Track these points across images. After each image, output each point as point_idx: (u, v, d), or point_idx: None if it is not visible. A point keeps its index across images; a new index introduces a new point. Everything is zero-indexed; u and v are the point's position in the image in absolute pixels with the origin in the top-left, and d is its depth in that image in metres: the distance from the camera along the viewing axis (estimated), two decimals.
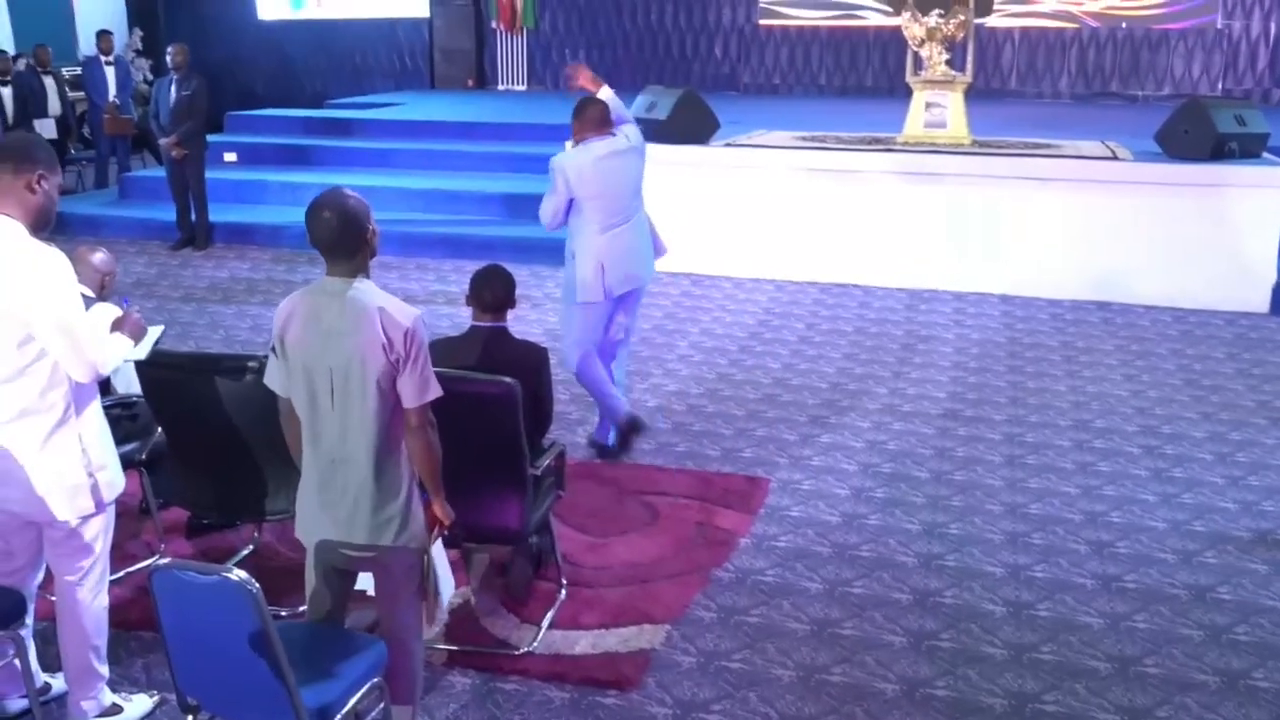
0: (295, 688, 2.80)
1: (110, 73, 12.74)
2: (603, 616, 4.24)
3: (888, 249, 9.02)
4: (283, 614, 3.98)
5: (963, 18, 9.18)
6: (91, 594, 3.48)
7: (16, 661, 3.50)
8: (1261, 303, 8.35)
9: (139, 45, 16.97)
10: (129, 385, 4.82)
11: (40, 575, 3.60)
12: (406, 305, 3.18)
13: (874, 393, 6.68)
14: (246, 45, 17.47)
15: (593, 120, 5.32)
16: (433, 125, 12.90)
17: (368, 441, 3.13)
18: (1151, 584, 4.50)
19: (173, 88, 10.08)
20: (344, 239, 3.11)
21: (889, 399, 6.57)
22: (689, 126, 9.45)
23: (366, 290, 3.13)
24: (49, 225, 3.31)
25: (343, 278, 3.13)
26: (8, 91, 11.87)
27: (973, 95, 9.69)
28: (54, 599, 3.53)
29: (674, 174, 9.43)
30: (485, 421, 3.82)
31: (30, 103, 12.12)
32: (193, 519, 4.84)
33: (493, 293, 4.25)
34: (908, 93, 9.61)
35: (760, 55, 15.93)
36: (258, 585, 2.73)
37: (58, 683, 3.68)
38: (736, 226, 9.35)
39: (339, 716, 2.95)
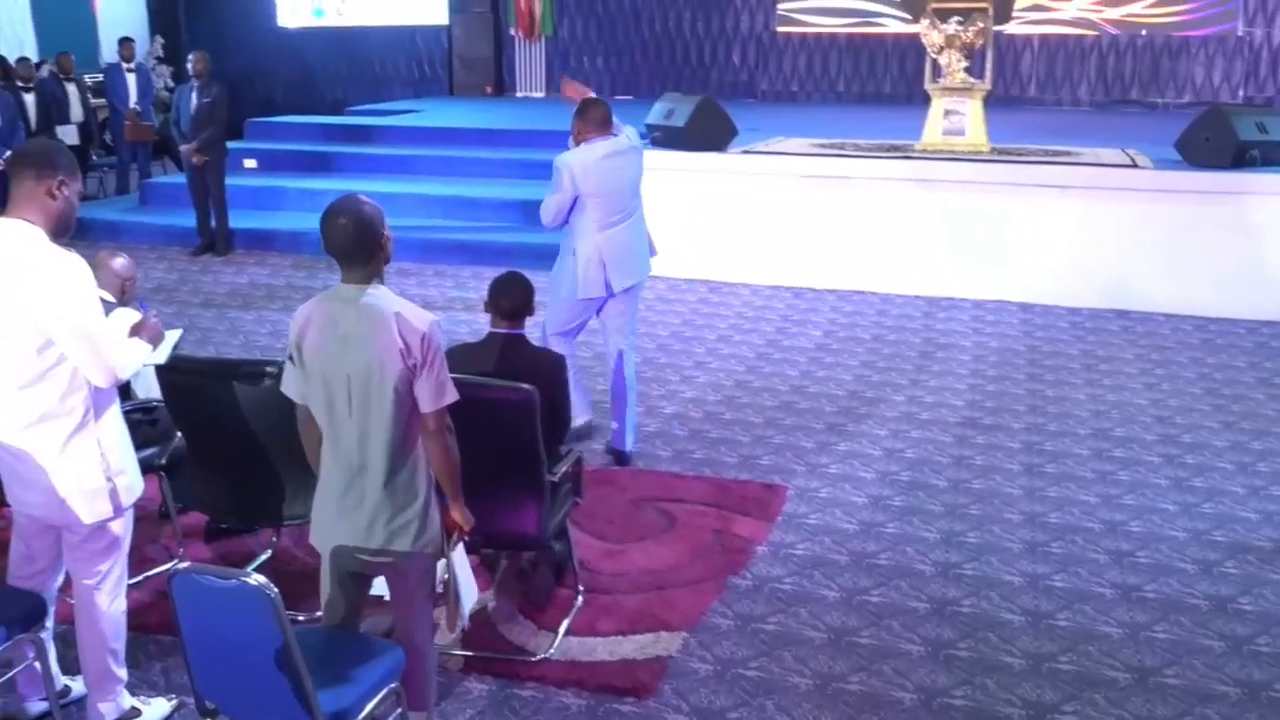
0: (312, 692, 2.81)
1: (131, 80, 12.84)
2: (620, 623, 4.23)
3: (906, 256, 9.00)
4: (300, 619, 3.99)
5: (982, 25, 9.16)
6: (110, 597, 3.50)
7: (37, 664, 3.52)
8: None
9: (160, 52, 17.08)
10: (149, 390, 4.85)
11: (60, 578, 3.62)
12: (422, 310, 3.19)
13: (892, 400, 6.66)
14: (267, 53, 17.56)
15: (595, 121, 5.47)
16: (451, 132, 12.93)
17: (386, 447, 3.14)
18: (1171, 594, 4.47)
19: (194, 95, 10.14)
20: (360, 245, 3.12)
21: (907, 407, 6.55)
22: (707, 133, 9.45)
23: (382, 296, 3.14)
24: (69, 231, 3.34)
25: (358, 284, 3.14)
26: (31, 98, 11.95)
27: (992, 102, 9.67)
28: (73, 602, 3.55)
29: (692, 180, 9.45)
30: (503, 428, 3.83)
31: (53, 109, 12.22)
32: (211, 524, 4.86)
33: (511, 300, 4.26)
34: (926, 100, 9.59)
35: (778, 62, 15.92)
36: (276, 590, 2.74)
37: (77, 685, 3.70)
38: (754, 233, 9.34)
39: None
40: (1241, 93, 14.29)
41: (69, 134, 12.15)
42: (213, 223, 10.52)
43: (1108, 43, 14.63)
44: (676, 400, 6.70)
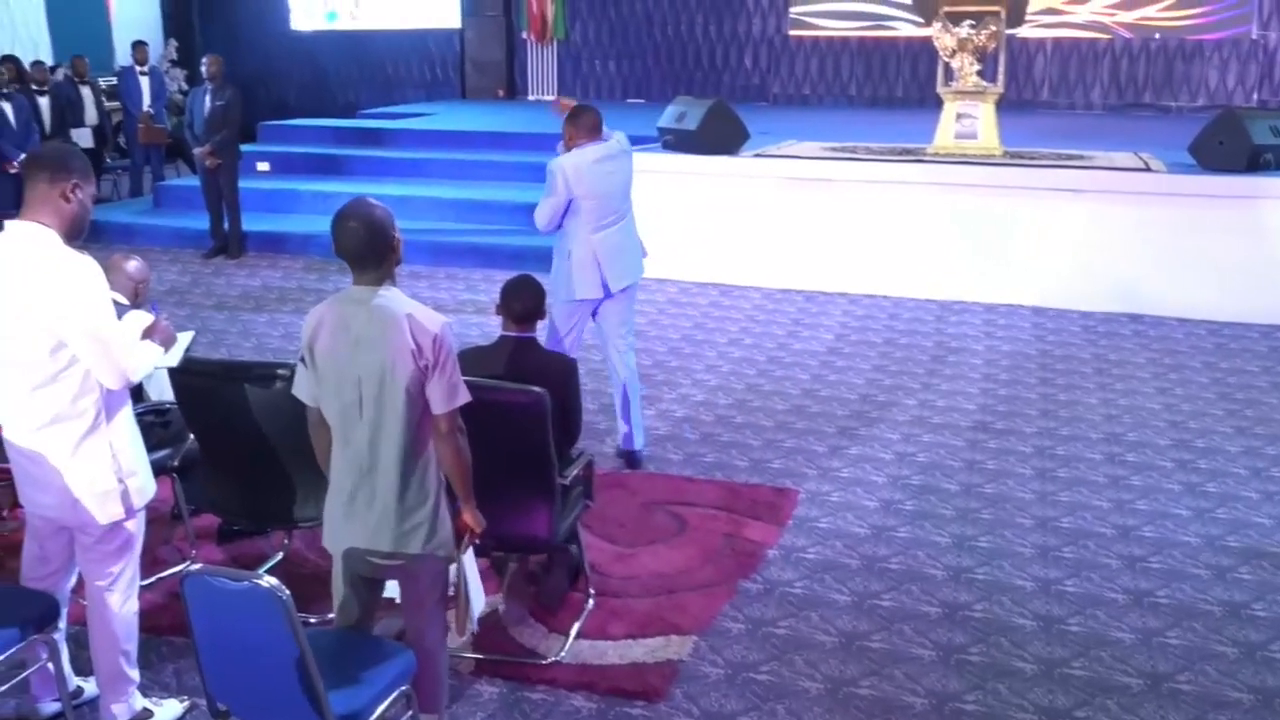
0: (324, 694, 2.81)
1: (145, 83, 12.89)
2: (630, 627, 4.23)
3: (918, 260, 8.98)
4: (311, 621, 3.99)
5: (994, 28, 9.14)
6: (122, 599, 3.51)
7: (50, 665, 3.54)
8: None
9: (174, 56, 17.15)
10: (162, 392, 4.87)
11: (73, 579, 3.64)
12: (434, 312, 3.20)
13: (903, 404, 6.64)
14: (279, 56, 17.62)
15: (587, 126, 5.61)
16: (463, 135, 12.96)
17: (398, 449, 3.15)
18: (1185, 599, 4.46)
19: (207, 98, 10.18)
20: (371, 248, 3.13)
21: (918, 411, 6.54)
22: (719, 137, 9.46)
23: (394, 298, 3.15)
24: (83, 234, 3.35)
25: (370, 286, 3.15)
26: (45, 101, 12.01)
27: (1004, 106, 9.65)
28: (85, 603, 3.57)
29: (703, 184, 9.45)
30: (514, 431, 3.83)
31: (67, 112, 12.27)
32: (223, 526, 4.88)
33: (522, 303, 4.27)
34: (938, 104, 9.57)
35: (790, 66, 15.91)
36: (288, 592, 2.74)
37: (90, 686, 3.71)
38: (765, 237, 9.34)
39: None
40: (1256, 96, 14.22)
41: (83, 137, 12.22)
42: (225, 225, 10.56)
43: (1121, 46, 14.59)
44: (687, 404, 6.69)
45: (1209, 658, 4.06)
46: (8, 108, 10.48)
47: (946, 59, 9.34)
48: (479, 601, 3.53)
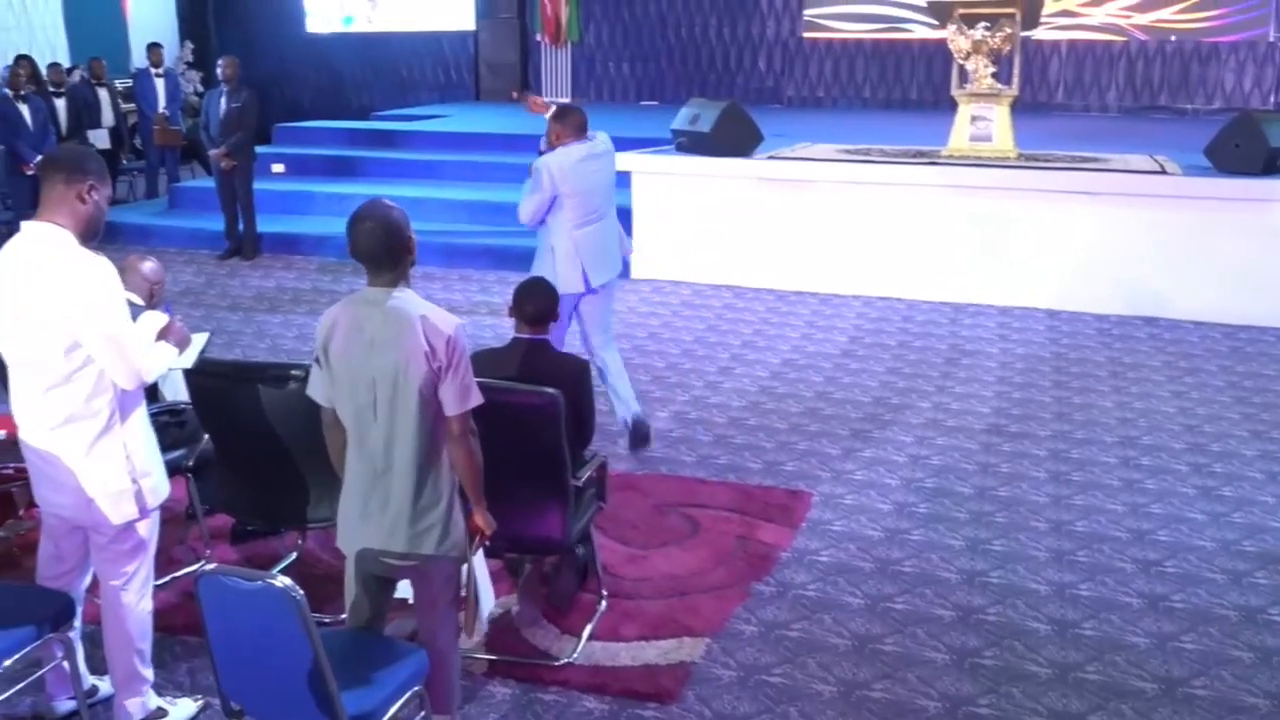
0: (337, 694, 2.82)
1: (160, 85, 12.96)
2: (643, 629, 4.23)
3: (932, 262, 8.97)
4: (325, 621, 4.00)
5: (1009, 30, 9.11)
6: (136, 598, 3.53)
7: (65, 664, 3.55)
8: None
9: (190, 58, 17.22)
10: (177, 393, 4.89)
11: (88, 578, 3.65)
12: (447, 313, 3.20)
13: (917, 407, 6.63)
14: (294, 58, 17.67)
15: (574, 125, 5.82)
16: (477, 137, 12.98)
17: (411, 450, 3.15)
18: (1200, 604, 4.43)
19: (222, 100, 10.22)
20: (387, 249, 3.14)
21: (932, 413, 6.52)
22: (732, 139, 9.45)
23: (408, 299, 3.16)
24: (98, 235, 3.37)
25: (384, 287, 3.16)
26: (62, 103, 12.07)
27: (1019, 108, 9.62)
28: (100, 602, 3.58)
29: (717, 186, 9.46)
30: (527, 432, 3.83)
31: (84, 114, 12.33)
32: (237, 526, 4.89)
33: (535, 305, 4.27)
34: (953, 106, 9.55)
35: (804, 68, 15.90)
36: (301, 592, 2.75)
37: (105, 685, 3.73)
38: (779, 239, 9.33)
39: None
40: (1272, 99, 14.16)
41: (100, 138, 12.28)
42: (240, 227, 10.59)
43: (1136, 48, 14.54)
44: (701, 406, 6.69)
45: (1225, 663, 4.04)
46: (25, 109, 10.53)
47: (961, 61, 9.32)
48: (488, 603, 3.54)
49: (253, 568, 3.98)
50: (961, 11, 9.20)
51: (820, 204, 9.19)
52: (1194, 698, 3.84)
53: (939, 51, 13.38)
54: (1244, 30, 14.07)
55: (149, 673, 3.61)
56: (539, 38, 16.72)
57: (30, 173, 9.87)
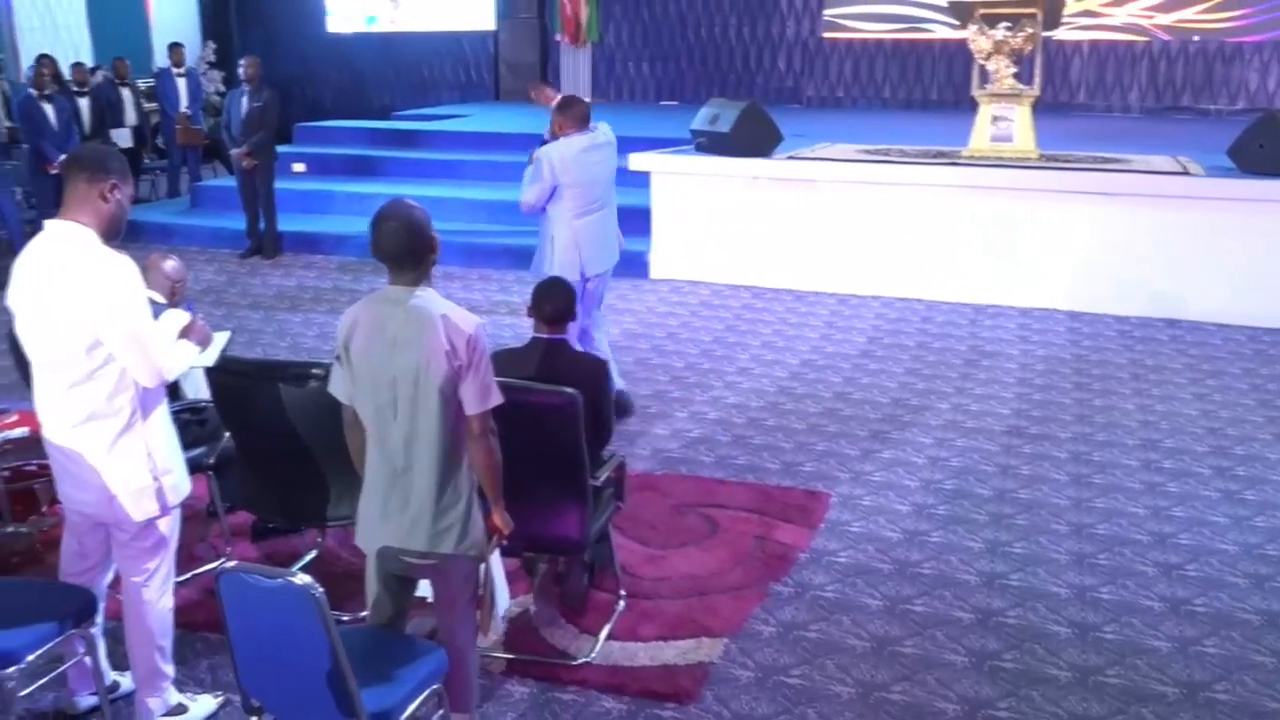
0: (356, 692, 2.83)
1: (182, 84, 13.04)
2: (661, 629, 4.23)
3: (952, 263, 8.94)
4: (344, 619, 4.02)
5: (1031, 30, 9.07)
6: (157, 595, 3.55)
7: (87, 659, 3.58)
8: None
9: (212, 57, 17.32)
10: (198, 391, 4.91)
11: (110, 575, 3.67)
12: (468, 313, 3.21)
13: (937, 408, 6.61)
14: (316, 58, 17.74)
15: (576, 117, 5.92)
16: (497, 137, 13.00)
17: (431, 449, 3.16)
18: (1222, 608, 4.40)
19: (244, 99, 10.28)
20: (410, 249, 3.16)
21: (952, 415, 6.50)
22: (752, 139, 9.44)
23: (429, 298, 3.17)
24: (120, 234, 3.39)
25: (406, 286, 3.17)
26: (85, 102, 12.16)
27: (1040, 109, 9.57)
28: (122, 599, 3.60)
29: (736, 186, 9.44)
30: (546, 432, 3.84)
31: (107, 114, 12.42)
32: (258, 523, 4.92)
33: (554, 305, 4.27)
34: (973, 106, 9.52)
35: (824, 68, 15.87)
36: (321, 590, 2.76)
37: (126, 681, 3.75)
38: (798, 239, 9.32)
39: None
40: None
41: (123, 137, 12.35)
42: (261, 225, 10.64)
43: (1159, 48, 14.45)
44: (720, 406, 6.68)
45: (1247, 667, 4.01)
46: (49, 109, 10.60)
47: (982, 61, 9.28)
48: (504, 602, 3.54)
49: (273, 565, 4.00)
50: (983, 11, 9.16)
51: (840, 204, 9.17)
52: (1216, 702, 3.82)
53: (959, 52, 13.34)
54: (1268, 30, 13.96)
55: (170, 669, 3.63)
56: (559, 38, 16.73)
57: (54, 172, 9.94)
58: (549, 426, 3.84)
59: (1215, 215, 8.28)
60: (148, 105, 13.55)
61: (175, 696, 3.66)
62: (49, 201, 9.81)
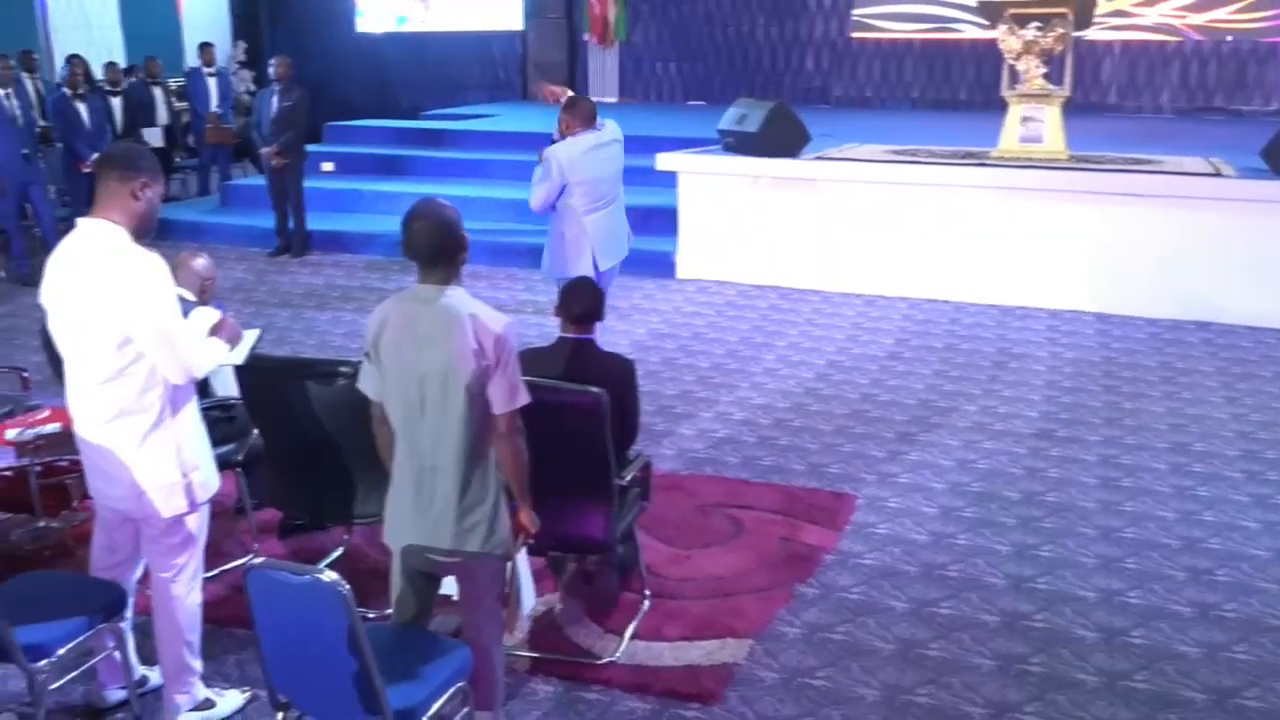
0: (382, 688, 2.84)
1: (212, 84, 13.12)
2: (685, 629, 4.23)
3: (980, 264, 8.89)
4: (370, 616, 4.03)
5: (1061, 31, 9.00)
6: (185, 590, 3.57)
7: (117, 654, 3.61)
8: None
9: (242, 57, 17.44)
10: (227, 388, 4.94)
11: (140, 570, 3.70)
12: (497, 312, 3.22)
13: (964, 410, 6.57)
14: (345, 58, 17.83)
15: (583, 115, 6.09)
16: (525, 137, 12.99)
17: (459, 448, 3.17)
18: (1253, 614, 4.36)
19: (274, 98, 10.35)
20: (440, 248, 3.17)
21: (979, 417, 6.46)
22: (780, 139, 9.42)
23: (459, 297, 3.18)
24: (150, 232, 3.42)
25: (436, 285, 3.19)
26: (118, 102, 12.28)
27: (1070, 109, 9.51)
28: (151, 594, 3.63)
29: (764, 186, 9.43)
30: (573, 432, 3.84)
31: (139, 113, 12.53)
32: (285, 520, 4.94)
33: (581, 304, 4.27)
34: (1003, 107, 9.45)
35: (852, 68, 15.82)
36: (348, 587, 2.77)
37: (154, 675, 3.78)
38: (825, 240, 9.29)
39: (424, 719, 2.99)
40: None
41: (155, 136, 12.46)
42: (290, 224, 10.71)
43: (1191, 49, 14.32)
44: (745, 407, 6.67)
45: (1277, 674, 3.97)
46: (83, 108, 10.70)
47: (1012, 61, 9.22)
48: (529, 600, 3.55)
49: (300, 562, 4.02)
50: (1013, 11, 9.10)
51: (867, 205, 9.14)
52: (1245, 709, 3.78)
53: (989, 52, 13.24)
54: None
55: (198, 664, 3.66)
56: (587, 38, 16.76)
57: (87, 170, 10.04)
58: (575, 426, 3.84)
59: (1248, 217, 8.20)
60: (178, 104, 13.66)
61: (203, 691, 3.69)
62: (82, 200, 9.91)
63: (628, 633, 4.19)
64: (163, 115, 12.94)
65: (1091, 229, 8.57)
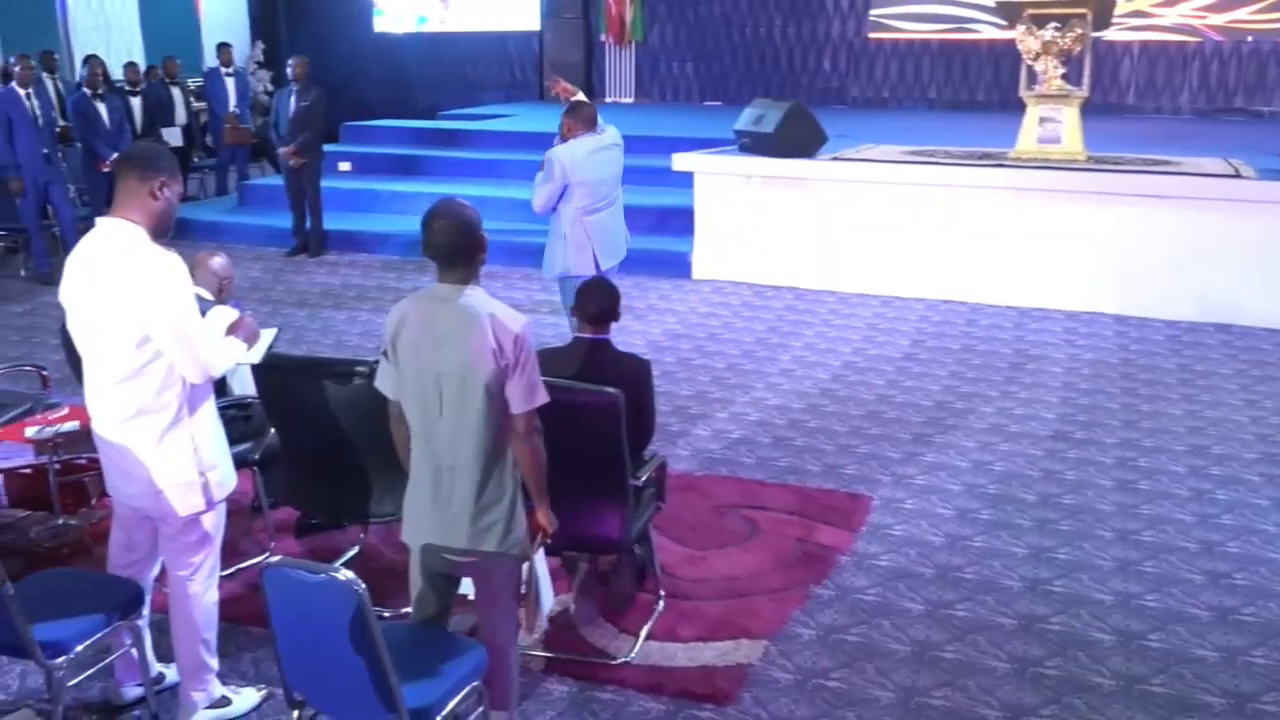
0: (397, 687, 2.85)
1: (230, 84, 13.17)
2: (700, 630, 4.23)
3: (997, 266, 8.86)
4: (386, 615, 4.04)
5: (1080, 31, 8.97)
6: (202, 588, 3.59)
7: (134, 651, 3.63)
8: None
9: (260, 57, 17.51)
10: (244, 387, 4.97)
11: (157, 568, 3.72)
12: (515, 312, 3.22)
13: (980, 412, 6.55)
14: (363, 58, 17.88)
15: (585, 119, 6.24)
16: (541, 137, 12.96)
17: (476, 447, 3.17)
18: (1272, 618, 4.33)
19: (292, 98, 10.38)
20: (459, 247, 3.18)
21: (996, 418, 6.44)
22: (797, 139, 9.40)
23: (477, 297, 3.18)
24: (168, 231, 3.43)
25: (455, 284, 3.19)
26: (138, 101, 12.34)
27: (1089, 110, 9.47)
28: (168, 592, 3.65)
29: (781, 187, 9.42)
30: (589, 431, 3.84)
31: (158, 113, 12.59)
32: (302, 519, 4.96)
33: (596, 304, 4.27)
34: (1021, 107, 9.43)
35: (869, 68, 15.78)
36: (364, 585, 2.78)
37: (171, 673, 3.80)
38: (842, 241, 9.28)
39: (439, 718, 2.99)
40: None
41: (173, 136, 12.52)
42: (307, 224, 10.74)
43: (1211, 49, 14.24)
44: (761, 407, 6.67)
45: None
46: (103, 108, 10.76)
47: (1030, 62, 9.19)
48: (548, 600, 3.55)
49: (316, 561, 4.04)
50: (1031, 12, 9.07)
51: (884, 206, 9.12)
52: (1264, 714, 3.76)
53: (1007, 52, 13.21)
54: None
55: (214, 662, 3.68)
56: (603, 38, 16.77)
57: (106, 170, 10.09)
58: (591, 426, 3.84)
59: (1268, 218, 8.15)
60: (196, 104, 13.72)
61: (219, 689, 3.70)
62: (101, 199, 9.97)
63: (642, 633, 4.19)
64: (181, 115, 12.99)
65: (1109, 230, 8.53)
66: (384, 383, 3.31)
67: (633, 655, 4.07)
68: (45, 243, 10.09)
